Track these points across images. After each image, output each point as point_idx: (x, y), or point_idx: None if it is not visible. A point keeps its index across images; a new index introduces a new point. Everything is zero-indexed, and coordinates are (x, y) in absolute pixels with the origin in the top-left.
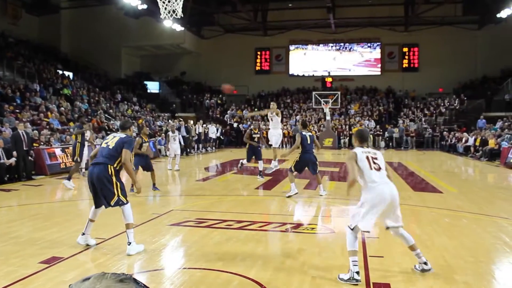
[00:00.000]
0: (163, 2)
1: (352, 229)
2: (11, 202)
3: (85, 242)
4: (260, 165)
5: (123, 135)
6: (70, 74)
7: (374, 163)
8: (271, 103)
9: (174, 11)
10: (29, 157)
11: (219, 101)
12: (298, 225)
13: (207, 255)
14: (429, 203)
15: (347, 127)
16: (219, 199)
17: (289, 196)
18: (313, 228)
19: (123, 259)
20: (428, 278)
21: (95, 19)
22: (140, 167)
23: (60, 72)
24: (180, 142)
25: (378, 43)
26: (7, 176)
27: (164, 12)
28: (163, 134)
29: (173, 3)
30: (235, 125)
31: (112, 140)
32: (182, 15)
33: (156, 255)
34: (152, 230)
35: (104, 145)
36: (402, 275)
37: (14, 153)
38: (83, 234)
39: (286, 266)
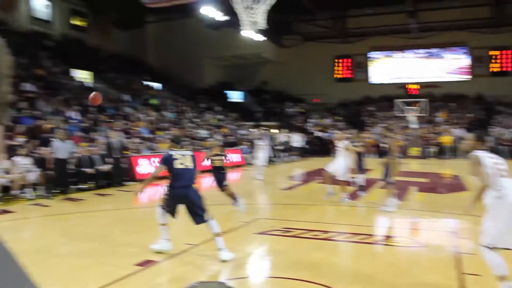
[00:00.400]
0: (245, 15)
1: (489, 248)
2: (107, 206)
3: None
4: (360, 178)
5: (190, 152)
6: (157, 85)
7: (501, 169)
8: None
9: (256, 23)
10: (121, 164)
11: (301, 110)
12: (386, 237)
13: (295, 265)
14: None
15: (434, 135)
16: (304, 208)
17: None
18: (402, 242)
19: (212, 265)
20: None
21: (179, 32)
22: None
23: (148, 83)
24: (267, 151)
25: (464, 47)
26: (104, 181)
27: (246, 24)
28: (247, 142)
29: (255, 15)
30: (318, 134)
31: (187, 159)
32: (265, 26)
33: (244, 263)
34: (239, 238)
35: (181, 166)
36: None
37: (109, 159)
38: (167, 240)
39: (375, 281)
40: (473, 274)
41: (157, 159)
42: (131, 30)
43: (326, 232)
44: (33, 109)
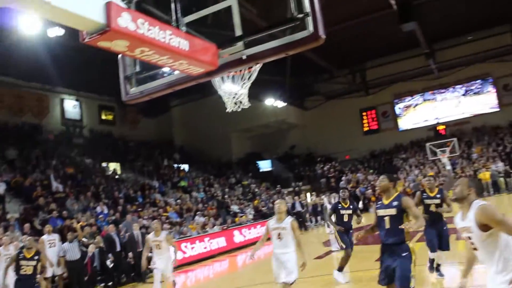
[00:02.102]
0: (228, 98)
1: None
2: None
3: None
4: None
5: None
6: (185, 166)
7: None
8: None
9: (241, 102)
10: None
11: (331, 169)
12: None
13: None
14: None
15: (473, 172)
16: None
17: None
18: None
19: None
20: None
21: (203, 111)
22: None
23: (176, 165)
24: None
25: (487, 78)
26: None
27: (230, 106)
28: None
29: (239, 96)
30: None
31: None
32: (250, 105)
33: None
34: None
35: None
36: None
37: (130, 254)
38: None
39: None
40: None
41: (188, 244)
42: (158, 116)
43: None
44: (62, 209)
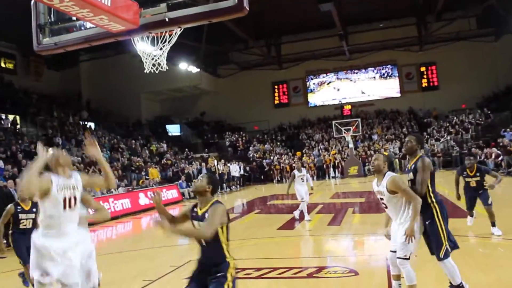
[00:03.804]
0: (146, 58)
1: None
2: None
3: None
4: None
5: None
6: (92, 124)
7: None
8: None
9: (159, 64)
10: None
11: (240, 138)
12: (320, 268)
13: None
14: (459, 231)
15: (372, 152)
16: (240, 244)
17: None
18: (336, 272)
19: None
20: None
21: (113, 69)
22: None
23: (83, 123)
24: (310, 184)
25: (394, 65)
26: None
27: (148, 67)
28: (183, 176)
29: (157, 58)
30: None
31: None
32: (167, 68)
33: None
34: (169, 286)
35: None
36: None
37: None
38: None
39: None
40: None
41: None
42: (64, 70)
43: (259, 269)
44: None
